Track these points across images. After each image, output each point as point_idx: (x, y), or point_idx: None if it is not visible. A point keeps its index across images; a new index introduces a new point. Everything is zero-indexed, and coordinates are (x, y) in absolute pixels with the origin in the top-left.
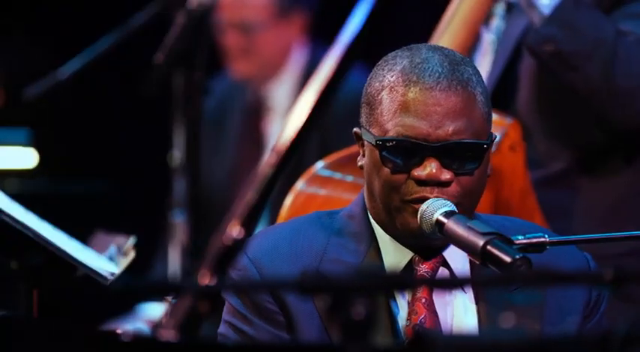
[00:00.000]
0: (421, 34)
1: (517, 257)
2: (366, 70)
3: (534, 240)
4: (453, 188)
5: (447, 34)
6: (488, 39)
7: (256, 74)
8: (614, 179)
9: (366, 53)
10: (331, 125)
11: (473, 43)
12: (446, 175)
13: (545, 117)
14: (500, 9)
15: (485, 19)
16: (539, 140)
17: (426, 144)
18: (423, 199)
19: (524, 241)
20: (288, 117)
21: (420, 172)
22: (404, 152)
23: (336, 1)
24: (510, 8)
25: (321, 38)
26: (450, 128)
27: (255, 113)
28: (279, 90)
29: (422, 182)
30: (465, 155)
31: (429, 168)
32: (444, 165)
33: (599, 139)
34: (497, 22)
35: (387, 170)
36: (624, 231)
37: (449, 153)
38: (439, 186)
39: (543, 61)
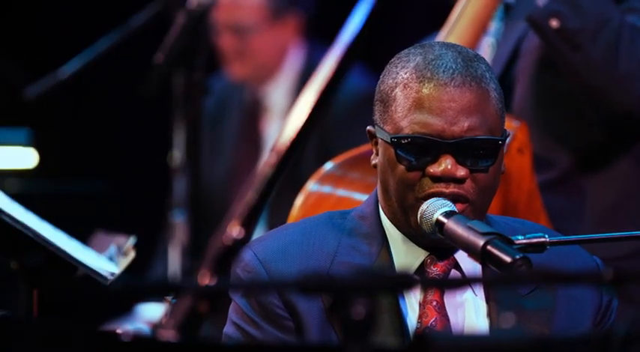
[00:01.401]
0: (421, 35)
1: (517, 257)
2: (366, 70)
3: (534, 240)
4: (468, 184)
5: (454, 34)
6: (488, 42)
7: (252, 76)
8: (613, 179)
9: (366, 53)
10: (331, 125)
11: (478, 44)
12: (461, 172)
13: (540, 118)
14: (499, 11)
15: None
16: (536, 141)
17: (441, 141)
18: (439, 194)
19: (524, 241)
20: (288, 118)
21: (436, 169)
22: (419, 149)
23: (336, 1)
24: (509, 10)
25: (320, 38)
26: (464, 124)
27: (252, 114)
28: (276, 91)
29: (437, 178)
30: (480, 151)
31: (444, 164)
32: (459, 161)
33: (595, 140)
34: (496, 24)
35: (402, 167)
36: (626, 230)
37: (464, 149)
38: (454, 183)
39: (546, 38)
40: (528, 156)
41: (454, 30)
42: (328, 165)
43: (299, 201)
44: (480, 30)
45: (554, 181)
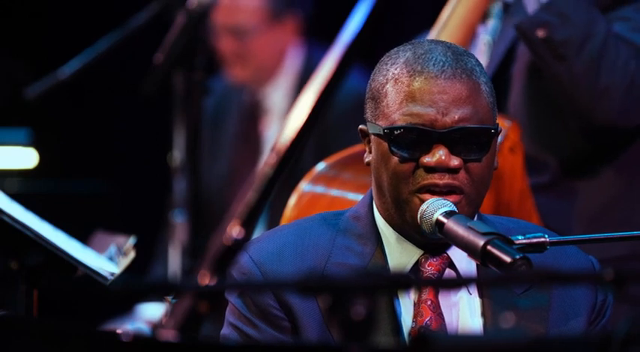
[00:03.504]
0: (421, 35)
1: (517, 257)
2: (366, 70)
3: (534, 240)
4: (462, 175)
5: (444, 34)
6: (484, 40)
7: (252, 78)
8: (603, 182)
9: (366, 53)
10: (330, 125)
11: (469, 44)
12: (455, 161)
13: (533, 120)
14: (497, 9)
15: (483, 19)
16: (529, 143)
17: (434, 131)
18: (433, 186)
19: (524, 241)
20: (288, 118)
21: (429, 159)
22: (412, 140)
23: (336, 1)
24: (507, 8)
25: (320, 38)
26: (456, 115)
27: (252, 115)
28: (275, 93)
29: (431, 169)
30: (473, 141)
31: (438, 154)
32: (453, 151)
33: (585, 144)
34: (493, 23)
35: (395, 159)
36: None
37: (457, 139)
38: (448, 173)
39: (533, 47)
40: (520, 155)
41: (444, 30)
42: (320, 166)
43: (292, 201)
44: (470, 30)
45: (546, 183)
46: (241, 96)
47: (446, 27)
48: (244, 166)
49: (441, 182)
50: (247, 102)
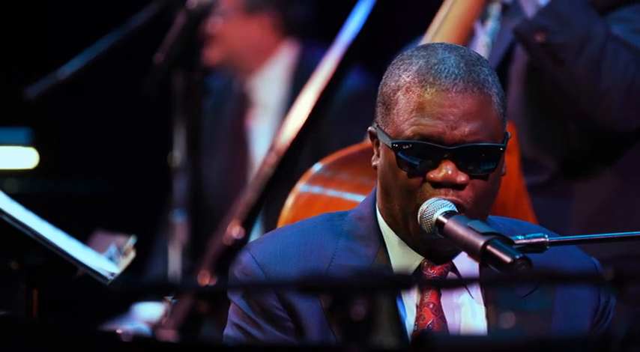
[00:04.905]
0: (420, 35)
1: (517, 257)
2: (361, 69)
3: (534, 240)
4: (468, 191)
5: (439, 35)
6: (483, 41)
7: (225, 63)
8: (600, 183)
9: (366, 53)
10: (325, 125)
11: (468, 45)
12: (461, 177)
13: (531, 121)
14: (495, 10)
15: (482, 20)
16: (526, 144)
17: (442, 147)
18: None
19: (525, 241)
20: (288, 118)
21: (436, 174)
22: (420, 154)
23: (336, 1)
24: (505, 9)
25: (320, 38)
26: (466, 129)
27: (240, 108)
28: (263, 85)
29: (437, 184)
30: (481, 157)
31: (445, 170)
32: (460, 167)
33: (585, 145)
34: (492, 24)
35: (403, 173)
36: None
37: (465, 155)
38: (454, 189)
39: (532, 51)
40: (515, 155)
41: (439, 31)
42: (317, 167)
43: (289, 202)
44: (466, 31)
45: (543, 184)
46: (234, 91)
47: (441, 28)
48: (234, 159)
49: (446, 198)
50: (237, 94)
